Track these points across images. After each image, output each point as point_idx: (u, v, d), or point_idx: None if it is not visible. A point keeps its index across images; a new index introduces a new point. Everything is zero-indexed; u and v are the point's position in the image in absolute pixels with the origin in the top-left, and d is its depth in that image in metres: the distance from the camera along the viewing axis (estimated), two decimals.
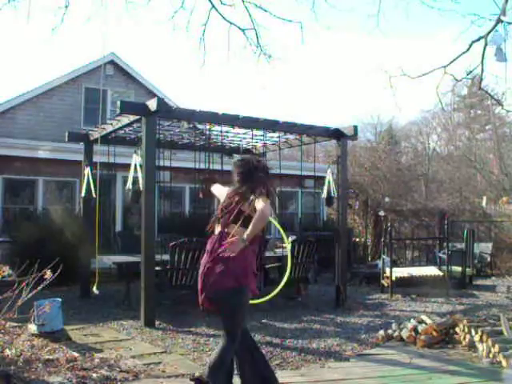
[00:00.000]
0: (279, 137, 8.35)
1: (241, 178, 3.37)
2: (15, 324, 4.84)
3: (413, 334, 5.21)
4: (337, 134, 7.73)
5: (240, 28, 8.30)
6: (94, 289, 6.56)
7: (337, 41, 50.89)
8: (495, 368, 4.30)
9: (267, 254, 7.74)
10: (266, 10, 8.08)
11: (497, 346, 4.45)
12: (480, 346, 4.74)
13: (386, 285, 8.59)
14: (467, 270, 9.36)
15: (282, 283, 3.64)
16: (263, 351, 4.81)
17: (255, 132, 7.77)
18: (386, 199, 14.90)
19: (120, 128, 7.19)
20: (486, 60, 7.59)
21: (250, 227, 3.08)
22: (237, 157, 3.71)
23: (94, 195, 7.49)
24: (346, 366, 4.50)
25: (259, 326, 6.00)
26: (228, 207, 3.31)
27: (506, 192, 15.71)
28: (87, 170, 7.78)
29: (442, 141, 27.30)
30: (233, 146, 9.51)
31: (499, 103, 13.62)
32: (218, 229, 3.37)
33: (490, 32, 7.18)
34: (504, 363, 4.27)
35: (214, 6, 7.95)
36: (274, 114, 49.77)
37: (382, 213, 13.40)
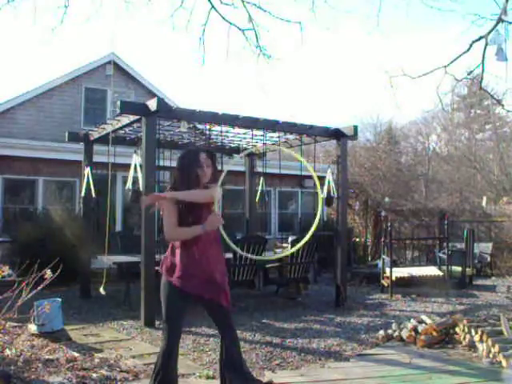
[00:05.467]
0: (279, 137, 8.35)
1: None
2: (15, 324, 4.85)
3: (413, 334, 5.21)
4: (337, 134, 7.73)
5: (239, 28, 8.29)
6: (101, 289, 6.57)
7: (337, 41, 50.91)
8: (495, 368, 4.30)
9: (267, 254, 7.73)
10: (265, 11, 8.06)
11: (497, 346, 4.45)
12: (480, 346, 4.75)
13: (386, 285, 8.59)
14: (467, 269, 9.36)
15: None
16: (263, 352, 4.82)
17: (255, 132, 7.77)
18: (386, 199, 14.91)
19: (120, 128, 7.19)
20: (487, 60, 7.59)
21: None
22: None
23: (93, 195, 7.50)
24: (346, 365, 4.50)
25: (259, 325, 6.00)
26: None
27: (506, 192, 15.71)
28: (87, 170, 7.79)
29: (441, 141, 27.30)
30: (233, 146, 9.51)
31: (499, 103, 13.62)
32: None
33: (490, 32, 7.16)
34: (504, 363, 4.27)
35: (213, 7, 7.94)
36: (274, 114, 49.76)
37: (383, 213, 13.40)
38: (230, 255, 6.68)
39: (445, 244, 9.46)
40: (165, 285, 3.19)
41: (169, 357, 3.14)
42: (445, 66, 7.87)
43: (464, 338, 5.07)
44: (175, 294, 3.14)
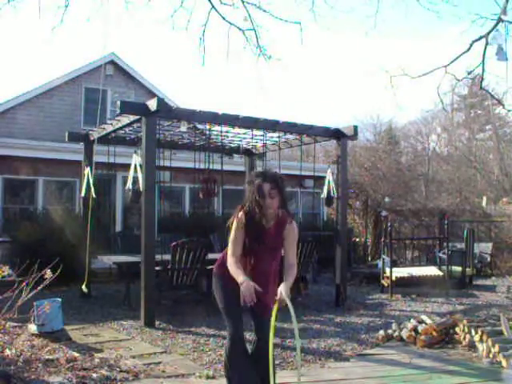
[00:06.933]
0: (279, 137, 8.35)
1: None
2: (15, 324, 4.85)
3: (413, 334, 5.21)
4: (337, 134, 7.73)
5: (239, 28, 8.28)
6: (83, 287, 6.62)
7: (337, 41, 50.91)
8: (495, 368, 4.30)
9: None
10: (265, 11, 8.06)
11: (497, 346, 4.45)
12: (480, 346, 4.75)
13: (386, 285, 8.59)
14: (467, 269, 9.36)
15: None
16: None
17: (255, 132, 7.77)
18: (386, 199, 14.90)
19: (120, 128, 7.19)
20: (487, 60, 7.59)
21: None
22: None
23: (93, 195, 7.50)
24: (346, 365, 4.50)
25: None
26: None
27: (506, 192, 15.71)
28: (87, 170, 7.78)
29: (441, 141, 27.29)
30: (233, 145, 9.51)
31: (500, 103, 13.62)
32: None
33: (490, 31, 7.17)
34: (504, 363, 4.27)
35: (213, 7, 7.93)
36: (274, 114, 49.77)
37: (384, 213, 13.40)
38: None
39: (445, 244, 9.45)
40: (216, 278, 3.28)
41: (235, 352, 3.14)
42: (445, 66, 7.88)
43: (464, 338, 5.07)
44: (227, 283, 3.15)
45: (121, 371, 4.06)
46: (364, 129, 25.99)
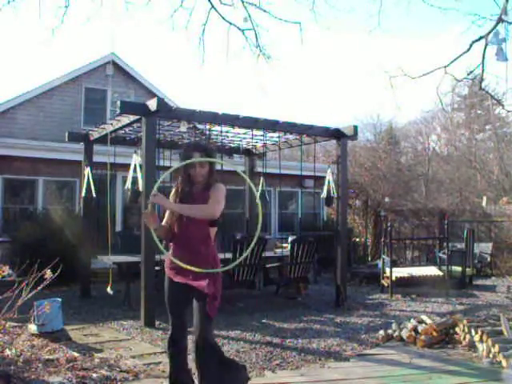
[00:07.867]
0: (279, 137, 8.35)
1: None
2: (15, 324, 4.85)
3: (413, 334, 5.21)
4: (337, 134, 7.73)
5: (239, 28, 8.29)
6: (108, 289, 6.54)
7: (337, 41, 50.91)
8: (495, 368, 4.30)
9: (267, 253, 7.73)
10: (265, 11, 8.07)
11: (497, 345, 4.45)
12: (480, 346, 4.75)
13: (386, 285, 8.59)
14: (467, 269, 9.36)
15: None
16: (263, 352, 4.82)
17: (255, 132, 7.77)
18: (386, 199, 14.91)
19: (120, 128, 7.19)
20: (487, 60, 7.59)
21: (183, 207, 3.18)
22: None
23: (94, 195, 7.51)
24: (346, 365, 4.50)
25: (259, 325, 6.00)
26: None
27: (506, 192, 15.70)
28: (87, 170, 7.79)
29: (441, 141, 27.28)
30: (233, 146, 9.51)
31: (500, 103, 13.64)
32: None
33: (490, 32, 7.16)
34: (504, 363, 4.27)
35: (213, 7, 7.94)
36: (273, 114, 49.77)
37: (382, 213, 13.40)
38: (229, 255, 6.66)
39: (445, 244, 9.45)
40: (165, 278, 3.40)
41: (172, 350, 3.41)
42: (445, 66, 7.87)
43: (464, 338, 5.07)
44: (168, 284, 3.37)
45: (121, 371, 4.06)
46: (364, 129, 25.96)
